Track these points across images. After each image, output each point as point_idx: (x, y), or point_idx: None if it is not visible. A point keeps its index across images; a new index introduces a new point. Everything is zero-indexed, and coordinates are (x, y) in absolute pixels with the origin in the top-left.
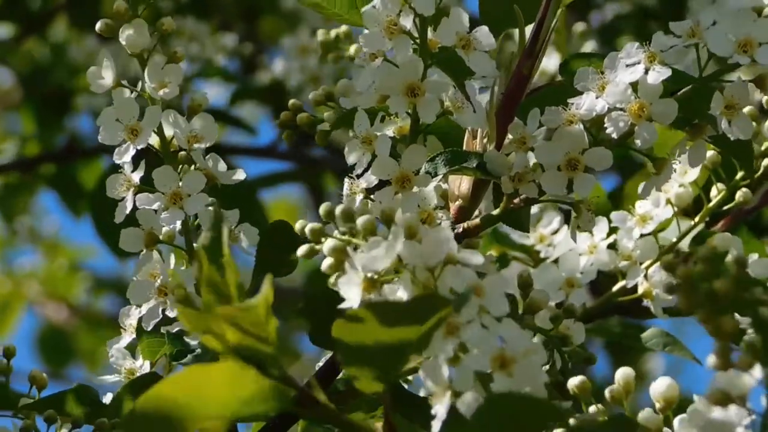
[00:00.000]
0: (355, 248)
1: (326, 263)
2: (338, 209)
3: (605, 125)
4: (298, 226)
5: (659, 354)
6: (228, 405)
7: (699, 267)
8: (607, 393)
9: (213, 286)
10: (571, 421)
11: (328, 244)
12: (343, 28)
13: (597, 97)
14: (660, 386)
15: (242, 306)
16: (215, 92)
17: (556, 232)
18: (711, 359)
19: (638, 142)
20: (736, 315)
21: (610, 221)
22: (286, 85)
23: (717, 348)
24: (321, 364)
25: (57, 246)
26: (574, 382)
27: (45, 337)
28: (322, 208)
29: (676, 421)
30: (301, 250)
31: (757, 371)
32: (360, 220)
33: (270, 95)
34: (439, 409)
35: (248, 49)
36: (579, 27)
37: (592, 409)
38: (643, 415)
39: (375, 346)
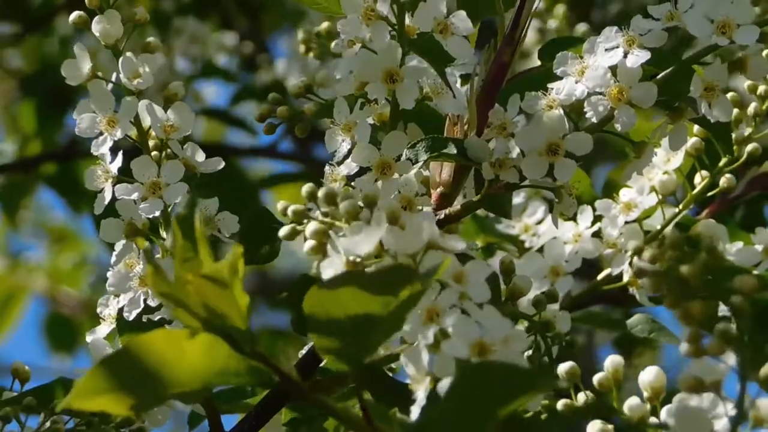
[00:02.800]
0: (338, 231)
1: (308, 245)
2: (321, 191)
3: (585, 110)
4: (279, 206)
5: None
6: (201, 374)
7: (668, 252)
8: (595, 381)
9: (186, 259)
10: (559, 405)
11: (310, 226)
12: (324, 24)
13: (576, 82)
14: (648, 375)
15: (209, 271)
16: (216, 92)
17: (540, 221)
18: (683, 346)
19: (618, 126)
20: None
21: (594, 209)
22: (287, 85)
23: (687, 334)
24: (304, 351)
25: (63, 238)
26: (564, 368)
27: (51, 326)
28: (305, 189)
29: (663, 411)
30: (283, 230)
31: (730, 358)
32: (343, 204)
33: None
34: (419, 395)
35: (249, 47)
36: (581, 27)
37: (581, 396)
38: (630, 403)
39: (344, 319)
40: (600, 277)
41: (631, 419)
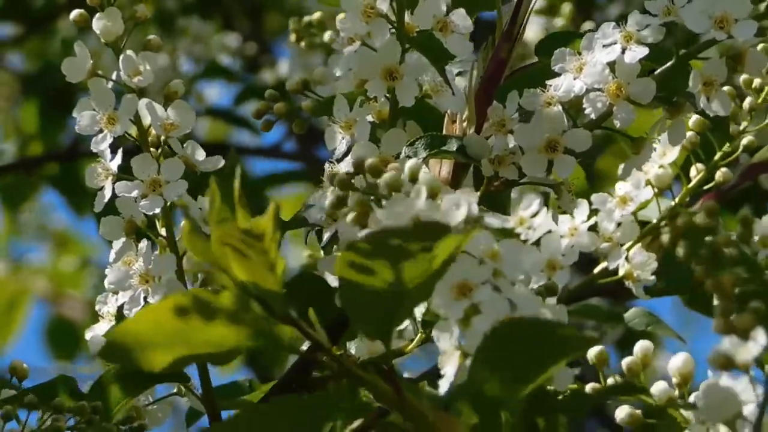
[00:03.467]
0: (379, 203)
1: (350, 216)
2: (368, 162)
3: (583, 106)
4: (327, 168)
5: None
6: (232, 335)
7: (699, 222)
8: (623, 365)
9: (223, 220)
10: (587, 388)
11: (354, 196)
12: (316, 15)
13: (575, 79)
14: (677, 361)
15: (248, 226)
16: (219, 92)
17: (535, 214)
18: (714, 321)
19: (617, 122)
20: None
21: (590, 203)
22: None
23: (718, 308)
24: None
25: (66, 241)
26: (593, 352)
27: (53, 331)
28: (354, 156)
29: (691, 398)
30: (330, 198)
31: (761, 336)
32: (385, 176)
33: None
34: (449, 370)
35: (252, 48)
36: (586, 26)
37: (610, 381)
38: (658, 387)
39: (377, 278)
40: (596, 270)
41: (659, 403)
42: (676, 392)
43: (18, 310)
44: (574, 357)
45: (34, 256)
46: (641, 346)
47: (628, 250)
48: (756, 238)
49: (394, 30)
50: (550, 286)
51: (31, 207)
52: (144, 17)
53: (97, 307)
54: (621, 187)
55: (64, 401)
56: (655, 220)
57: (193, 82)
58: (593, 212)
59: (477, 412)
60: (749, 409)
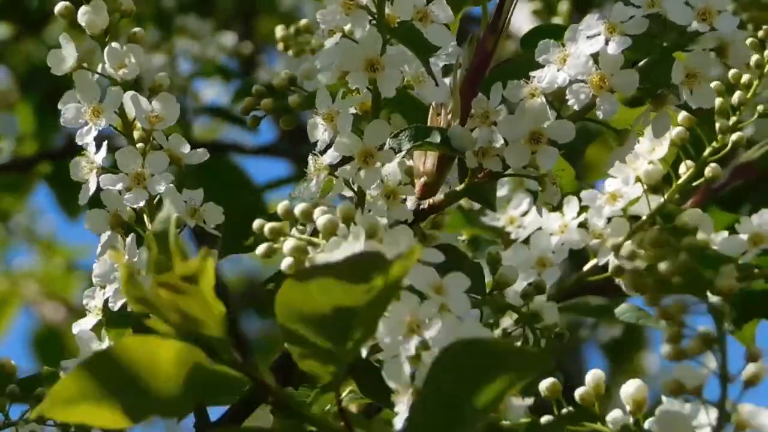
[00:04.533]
0: (316, 247)
1: (286, 263)
2: (297, 209)
3: (567, 97)
4: (255, 225)
5: (655, 352)
6: (177, 382)
7: (648, 249)
8: (576, 395)
9: (160, 269)
10: (543, 420)
11: (288, 243)
12: (303, 21)
13: (558, 70)
14: (629, 388)
15: (181, 271)
16: (215, 91)
17: (525, 213)
18: (663, 347)
19: (600, 113)
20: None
21: (580, 200)
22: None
23: (667, 334)
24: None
25: (53, 245)
26: (545, 384)
27: (40, 337)
28: (280, 208)
29: (646, 423)
30: (260, 249)
31: (712, 361)
32: (320, 221)
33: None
34: (401, 407)
35: (248, 48)
36: None
37: (564, 411)
38: (613, 416)
39: (319, 316)
40: (586, 267)
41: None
42: (631, 419)
43: (5, 315)
44: (524, 377)
45: (22, 260)
46: (593, 375)
47: (613, 252)
48: (745, 236)
49: (374, 21)
50: (539, 284)
51: (21, 209)
52: (130, 11)
53: (84, 301)
54: (610, 184)
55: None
56: (645, 217)
57: (189, 80)
58: (583, 209)
59: None
60: None
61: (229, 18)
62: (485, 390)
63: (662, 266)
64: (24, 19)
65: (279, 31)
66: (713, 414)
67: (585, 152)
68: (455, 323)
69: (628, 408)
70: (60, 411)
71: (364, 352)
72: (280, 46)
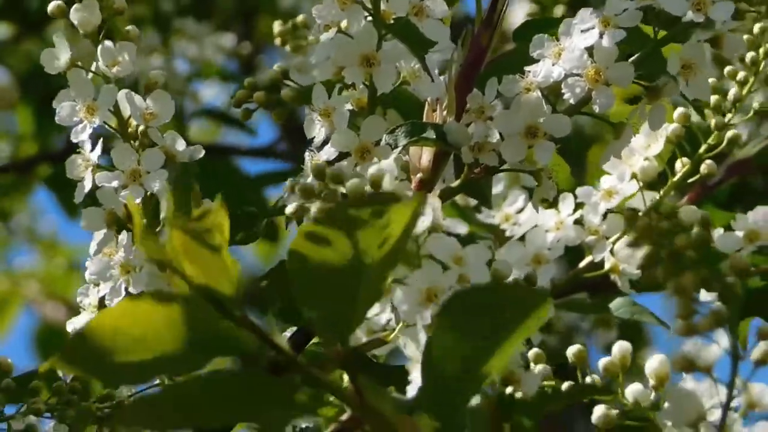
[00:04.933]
0: None
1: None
2: (329, 169)
3: (562, 91)
4: (288, 183)
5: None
6: (186, 342)
7: (661, 223)
8: (600, 365)
9: (176, 223)
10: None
11: (316, 204)
12: (300, 17)
13: (553, 64)
14: (653, 363)
15: (197, 215)
16: (214, 92)
17: (521, 210)
18: (675, 323)
19: (595, 107)
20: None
21: (575, 197)
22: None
23: (679, 308)
24: (288, 334)
25: (54, 245)
26: (572, 350)
27: (41, 337)
28: (315, 166)
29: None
30: (290, 208)
31: (723, 340)
32: (349, 183)
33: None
34: (416, 376)
35: (246, 49)
36: None
37: (589, 380)
38: (632, 389)
39: (332, 262)
40: (582, 264)
41: (633, 405)
42: (652, 394)
43: (6, 315)
44: (534, 322)
45: (23, 260)
46: (620, 347)
47: (613, 243)
48: (741, 233)
49: (370, 17)
50: (530, 276)
51: (22, 208)
52: (122, 9)
53: (78, 299)
54: (606, 180)
55: (42, 385)
56: (641, 213)
57: (188, 82)
58: (579, 206)
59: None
60: (714, 412)
61: (229, 18)
62: (491, 337)
63: (677, 239)
64: (24, 19)
65: (277, 26)
66: (723, 393)
67: (586, 154)
68: None
69: (651, 382)
70: (69, 369)
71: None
72: (278, 41)
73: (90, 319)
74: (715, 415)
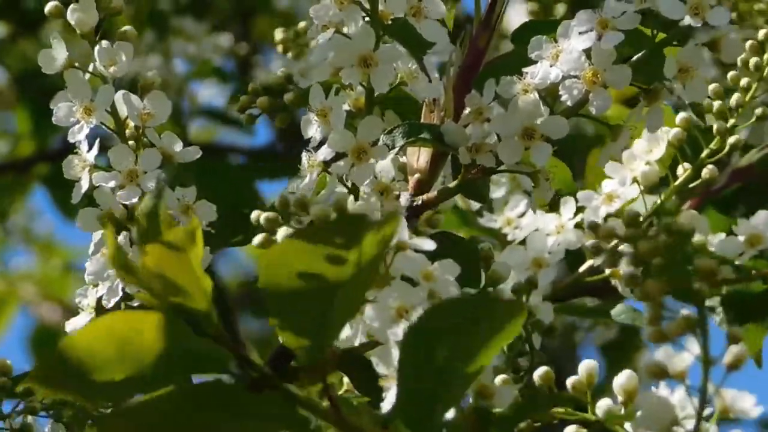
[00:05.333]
0: None
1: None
2: (293, 198)
3: (560, 93)
4: (253, 216)
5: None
6: (161, 359)
7: (627, 231)
8: (568, 384)
9: (148, 237)
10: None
11: (281, 233)
12: (301, 24)
13: (551, 66)
14: (620, 379)
15: (167, 238)
16: (212, 92)
17: (522, 215)
18: (645, 329)
19: (592, 109)
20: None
21: (576, 200)
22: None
23: (648, 315)
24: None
25: (51, 246)
26: (539, 372)
27: (38, 338)
28: (277, 199)
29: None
30: (257, 239)
31: (694, 346)
32: (313, 209)
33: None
34: (390, 392)
35: (244, 49)
36: None
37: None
38: (602, 404)
39: (301, 287)
40: (582, 268)
41: (603, 421)
42: (622, 410)
43: (3, 315)
44: (508, 333)
45: (20, 261)
46: (586, 365)
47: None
48: (742, 238)
49: (368, 17)
50: (530, 279)
51: (19, 209)
52: (119, 8)
53: (77, 300)
54: (607, 184)
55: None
56: (641, 218)
57: (186, 82)
58: (579, 209)
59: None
60: (689, 419)
61: (226, 18)
62: (465, 349)
63: (642, 245)
64: (21, 19)
65: (278, 33)
66: (696, 399)
67: (585, 158)
68: None
69: (619, 399)
70: (44, 387)
71: (357, 341)
72: (280, 48)
73: (65, 338)
74: (688, 423)
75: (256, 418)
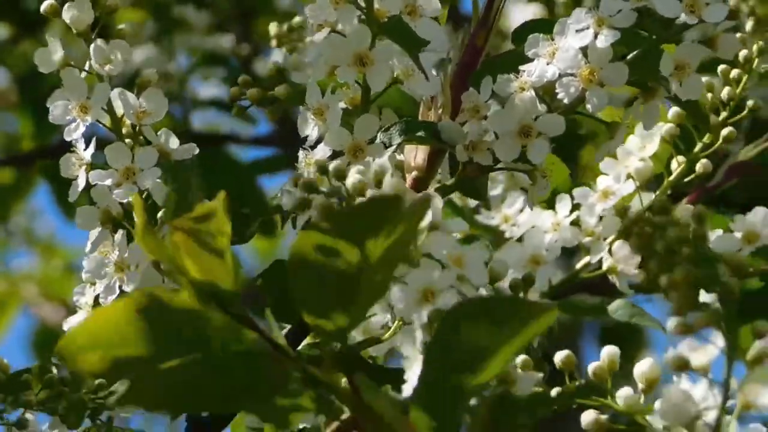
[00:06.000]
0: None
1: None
2: (331, 166)
3: (556, 91)
4: (289, 179)
5: (654, 351)
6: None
7: (654, 221)
8: (589, 370)
9: (177, 214)
10: (553, 392)
11: (318, 200)
12: (296, 19)
13: (548, 64)
14: (642, 366)
15: (197, 213)
16: (215, 86)
17: (520, 212)
18: (670, 321)
19: (589, 107)
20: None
21: (572, 198)
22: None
23: (674, 304)
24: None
25: (52, 247)
26: (560, 356)
27: (39, 338)
28: (317, 162)
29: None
30: (291, 201)
31: (719, 340)
32: (350, 179)
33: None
34: (411, 375)
35: (245, 50)
36: None
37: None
38: (622, 392)
39: (330, 267)
40: (579, 265)
41: (623, 409)
42: (642, 398)
43: (4, 316)
44: (532, 332)
45: (21, 261)
46: (608, 351)
47: (610, 244)
48: (739, 234)
49: (363, 16)
50: (527, 276)
51: (20, 209)
52: (115, 6)
53: (74, 298)
54: (602, 181)
55: (34, 379)
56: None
57: (188, 74)
58: (575, 207)
59: (433, 410)
60: (710, 413)
61: (227, 19)
62: (490, 346)
63: (670, 233)
64: (22, 20)
65: (273, 28)
66: (718, 393)
67: (578, 155)
68: (472, 293)
69: (640, 386)
70: (72, 358)
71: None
72: (274, 42)
73: (93, 313)
74: (710, 416)
75: (280, 396)
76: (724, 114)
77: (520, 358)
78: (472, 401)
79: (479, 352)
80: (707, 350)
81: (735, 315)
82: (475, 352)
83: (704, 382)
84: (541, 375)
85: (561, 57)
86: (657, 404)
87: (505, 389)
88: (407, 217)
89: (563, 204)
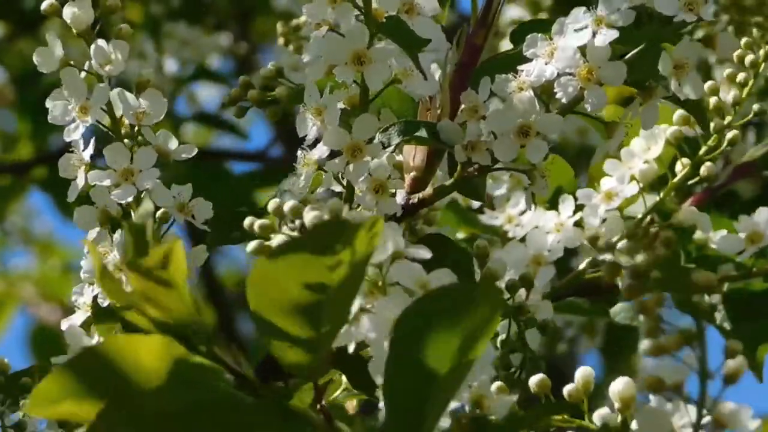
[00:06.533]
0: None
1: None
2: (286, 206)
3: (555, 90)
4: (246, 222)
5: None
6: (158, 378)
7: (626, 243)
8: (565, 392)
9: (133, 261)
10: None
11: (277, 240)
12: (302, 18)
13: (546, 63)
14: (617, 385)
15: (150, 260)
16: (208, 95)
17: (523, 212)
18: (643, 343)
19: (587, 106)
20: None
21: (576, 199)
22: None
23: (645, 328)
24: None
25: (50, 247)
26: (534, 380)
27: (37, 338)
28: (270, 205)
29: (633, 423)
30: (251, 246)
31: (692, 358)
32: (308, 216)
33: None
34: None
35: (243, 48)
36: None
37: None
38: (600, 413)
39: (289, 299)
40: (581, 266)
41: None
42: (618, 418)
43: (2, 316)
44: (487, 319)
45: (19, 261)
46: (582, 372)
47: (614, 245)
48: (743, 235)
49: (361, 15)
50: (525, 276)
51: (17, 210)
52: (115, 7)
53: (73, 298)
54: (606, 183)
55: (33, 382)
56: (640, 215)
57: (181, 85)
58: (579, 208)
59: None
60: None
61: (226, 18)
62: (448, 344)
63: (640, 258)
64: (20, 19)
65: (279, 26)
66: (694, 412)
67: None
68: None
69: (616, 406)
70: (43, 409)
71: (351, 347)
72: (281, 41)
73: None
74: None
75: (251, 428)
76: (728, 117)
77: (495, 385)
78: (446, 423)
79: (437, 354)
80: (680, 369)
81: (704, 333)
82: (434, 356)
83: (679, 399)
84: (515, 398)
85: (559, 56)
86: (633, 424)
87: (480, 413)
88: (361, 237)
89: (566, 205)
